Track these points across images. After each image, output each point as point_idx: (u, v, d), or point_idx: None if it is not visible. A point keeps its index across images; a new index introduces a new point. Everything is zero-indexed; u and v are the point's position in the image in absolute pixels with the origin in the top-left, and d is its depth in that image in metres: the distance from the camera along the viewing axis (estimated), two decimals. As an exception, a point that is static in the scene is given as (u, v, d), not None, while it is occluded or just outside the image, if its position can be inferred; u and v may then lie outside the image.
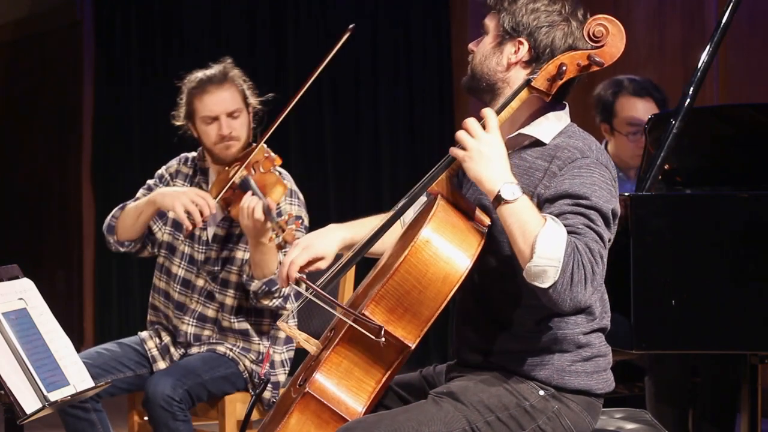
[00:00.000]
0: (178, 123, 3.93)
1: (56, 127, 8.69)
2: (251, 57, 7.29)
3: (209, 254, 3.88)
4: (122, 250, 3.96)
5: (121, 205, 3.94)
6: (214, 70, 3.88)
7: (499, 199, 2.52)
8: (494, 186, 2.53)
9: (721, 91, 5.86)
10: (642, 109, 4.28)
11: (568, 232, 2.49)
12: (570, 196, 2.56)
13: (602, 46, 2.66)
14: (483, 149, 2.55)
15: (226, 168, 3.83)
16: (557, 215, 2.53)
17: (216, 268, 3.87)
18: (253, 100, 3.92)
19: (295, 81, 7.25)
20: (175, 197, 3.72)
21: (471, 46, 2.78)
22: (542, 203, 2.60)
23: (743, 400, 3.54)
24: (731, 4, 3.69)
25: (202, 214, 3.67)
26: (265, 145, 3.82)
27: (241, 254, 3.86)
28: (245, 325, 3.87)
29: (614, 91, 4.30)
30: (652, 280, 3.37)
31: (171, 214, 3.90)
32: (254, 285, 3.74)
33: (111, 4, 8.12)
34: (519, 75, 2.70)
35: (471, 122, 2.59)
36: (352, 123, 7.43)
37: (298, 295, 3.84)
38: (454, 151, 2.60)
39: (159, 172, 4.02)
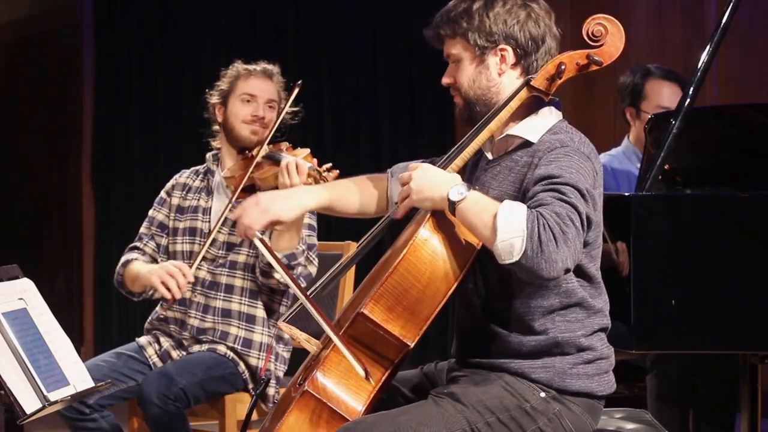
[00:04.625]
0: (211, 101, 3.98)
1: (56, 128, 8.69)
2: (251, 57, 7.28)
3: (216, 237, 3.87)
4: (136, 299, 3.98)
5: (123, 261, 3.94)
6: (264, 65, 4.03)
7: (452, 204, 2.53)
8: (443, 194, 2.55)
9: (721, 91, 5.85)
10: (670, 92, 4.36)
11: (536, 206, 2.48)
12: (543, 178, 2.55)
13: (601, 45, 2.67)
14: (416, 178, 2.61)
15: (247, 152, 3.88)
16: (531, 197, 2.53)
17: (221, 251, 3.87)
18: (284, 107, 3.96)
19: (295, 81, 7.22)
20: (153, 273, 3.75)
21: (446, 80, 2.79)
22: (526, 194, 2.60)
23: (743, 400, 3.54)
24: (731, 4, 3.69)
25: (178, 283, 3.70)
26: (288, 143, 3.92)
27: None
28: (253, 311, 3.85)
29: (643, 74, 4.43)
30: (652, 280, 3.37)
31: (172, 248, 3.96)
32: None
33: (111, 4, 8.13)
34: (511, 78, 2.72)
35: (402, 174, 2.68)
36: (352, 121, 7.43)
37: (295, 298, 3.84)
38: (402, 198, 2.65)
39: (157, 198, 4.05)
